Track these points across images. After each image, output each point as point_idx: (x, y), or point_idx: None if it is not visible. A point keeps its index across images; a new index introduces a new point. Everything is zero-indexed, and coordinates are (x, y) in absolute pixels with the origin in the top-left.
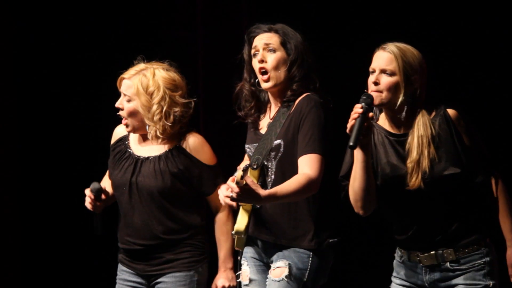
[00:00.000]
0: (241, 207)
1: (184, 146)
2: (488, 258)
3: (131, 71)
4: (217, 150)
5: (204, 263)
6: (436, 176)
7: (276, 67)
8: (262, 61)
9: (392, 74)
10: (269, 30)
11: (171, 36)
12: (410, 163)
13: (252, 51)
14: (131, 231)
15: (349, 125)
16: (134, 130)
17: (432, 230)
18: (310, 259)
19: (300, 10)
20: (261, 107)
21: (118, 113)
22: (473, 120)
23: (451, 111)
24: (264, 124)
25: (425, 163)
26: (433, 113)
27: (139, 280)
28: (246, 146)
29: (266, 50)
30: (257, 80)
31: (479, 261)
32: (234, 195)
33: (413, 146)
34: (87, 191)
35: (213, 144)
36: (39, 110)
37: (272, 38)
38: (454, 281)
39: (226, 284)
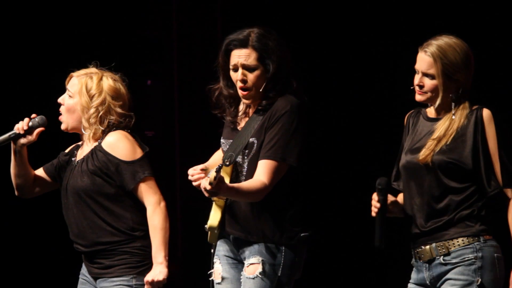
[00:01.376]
0: (214, 203)
1: (102, 144)
2: (480, 254)
3: (81, 71)
4: (192, 149)
5: (144, 269)
6: (443, 160)
7: (256, 85)
8: (243, 80)
9: (433, 77)
10: (246, 45)
11: (146, 36)
12: (431, 139)
13: (231, 67)
14: (72, 236)
15: (373, 213)
16: (68, 129)
17: (426, 220)
18: (283, 254)
19: (274, 10)
20: (238, 106)
21: (59, 109)
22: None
23: (486, 111)
24: (242, 121)
25: (442, 143)
26: (473, 108)
27: (91, 278)
28: (222, 140)
29: (245, 69)
30: (235, 88)
31: (470, 255)
32: (206, 193)
33: (442, 126)
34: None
35: (188, 144)
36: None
37: (250, 56)
38: (446, 276)
39: (150, 279)
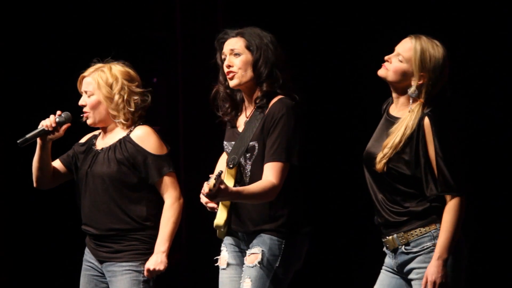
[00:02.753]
0: (220, 203)
1: (131, 136)
2: (437, 240)
3: (90, 69)
4: (197, 148)
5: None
6: (393, 167)
7: (241, 69)
8: (229, 66)
9: (403, 60)
10: (236, 35)
11: (151, 36)
12: (385, 144)
13: (222, 57)
14: (86, 220)
15: None
16: (95, 123)
17: (387, 213)
18: (283, 246)
19: (274, 9)
20: (238, 106)
21: (83, 110)
22: (456, 134)
23: (426, 119)
24: (241, 122)
25: (396, 150)
26: (424, 112)
27: (95, 263)
28: (224, 143)
29: (232, 55)
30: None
31: (428, 243)
32: (205, 198)
33: (398, 132)
34: (54, 116)
35: (192, 138)
36: (24, 108)
37: (238, 43)
38: (410, 265)
39: (151, 267)
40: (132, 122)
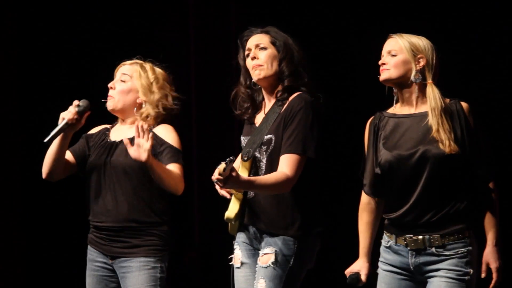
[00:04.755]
0: (233, 196)
1: (154, 130)
2: (470, 248)
3: (133, 60)
4: (208, 147)
5: (166, 253)
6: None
7: (267, 62)
8: (254, 58)
9: (397, 53)
10: (260, 32)
11: (163, 37)
12: (434, 132)
13: (246, 53)
14: (101, 212)
15: None
16: (116, 109)
17: (424, 212)
18: (296, 246)
19: (288, 11)
20: (256, 107)
21: (108, 94)
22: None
23: (464, 103)
24: (259, 118)
25: (442, 132)
26: (447, 100)
27: (105, 260)
28: (242, 138)
29: (257, 49)
30: (252, 81)
31: (462, 249)
32: (219, 182)
33: (431, 117)
34: (73, 107)
35: (205, 136)
36: (41, 110)
37: (263, 38)
38: (438, 266)
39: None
40: (156, 120)
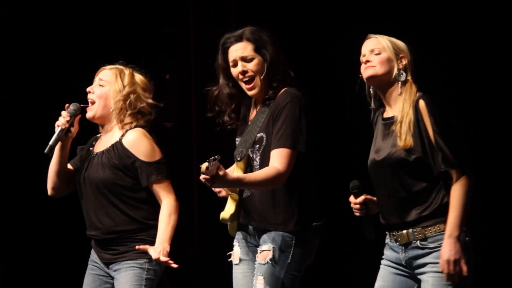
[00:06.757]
0: (229, 197)
1: (122, 141)
2: None
3: (112, 65)
4: (209, 147)
5: None
6: (402, 157)
7: (258, 72)
8: (244, 72)
9: (381, 52)
10: (241, 39)
11: (163, 34)
12: (397, 125)
13: (231, 63)
14: (89, 225)
15: (356, 214)
16: (95, 117)
17: (402, 209)
18: (294, 242)
19: (287, 8)
20: (239, 110)
21: (88, 98)
22: (450, 112)
23: (420, 101)
24: (251, 117)
25: (403, 126)
26: (416, 96)
27: (102, 264)
28: (236, 139)
29: (244, 61)
30: (235, 88)
31: None
32: (207, 182)
33: (399, 111)
34: (64, 112)
35: (204, 134)
36: (41, 109)
37: (247, 48)
38: (424, 259)
39: (157, 256)
40: (130, 126)
